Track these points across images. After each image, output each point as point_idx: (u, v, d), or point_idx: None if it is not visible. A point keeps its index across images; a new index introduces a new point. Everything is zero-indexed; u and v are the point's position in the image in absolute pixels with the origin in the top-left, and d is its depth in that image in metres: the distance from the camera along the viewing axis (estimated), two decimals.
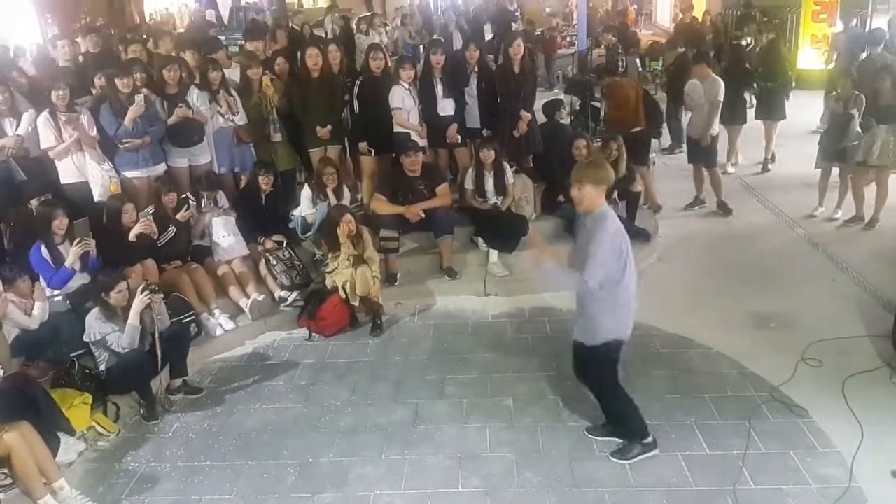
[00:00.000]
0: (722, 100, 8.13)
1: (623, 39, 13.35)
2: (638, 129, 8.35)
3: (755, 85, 9.94)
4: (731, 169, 9.82)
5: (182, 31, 12.25)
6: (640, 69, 14.49)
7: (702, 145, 8.26)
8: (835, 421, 4.63)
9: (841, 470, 4.24)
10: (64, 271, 5.49)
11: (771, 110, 9.79)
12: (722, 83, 8.17)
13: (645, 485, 4.25)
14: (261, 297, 6.35)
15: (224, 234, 6.48)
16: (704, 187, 8.61)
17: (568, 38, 16.64)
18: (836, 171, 8.00)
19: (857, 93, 7.66)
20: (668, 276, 7.02)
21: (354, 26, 14.57)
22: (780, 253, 7.37)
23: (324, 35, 13.29)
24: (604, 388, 4.48)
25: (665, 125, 10.53)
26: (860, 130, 7.49)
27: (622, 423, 4.54)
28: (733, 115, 9.12)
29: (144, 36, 10.02)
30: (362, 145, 7.39)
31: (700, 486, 4.21)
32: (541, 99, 8.49)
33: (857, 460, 4.29)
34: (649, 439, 4.46)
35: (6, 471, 4.21)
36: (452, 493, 4.31)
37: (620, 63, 10.82)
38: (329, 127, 7.16)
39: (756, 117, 9.96)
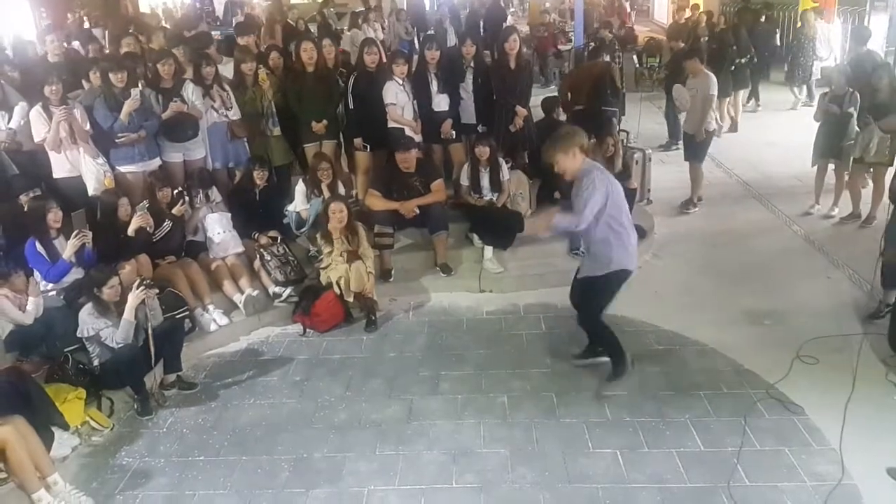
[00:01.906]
0: (714, 94, 8.11)
1: (620, 36, 13.38)
2: (579, 107, 8.42)
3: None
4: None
5: (168, 26, 12.16)
6: (637, 66, 14.54)
7: (696, 140, 8.25)
8: (830, 418, 4.62)
9: (836, 467, 4.24)
10: (62, 264, 5.47)
11: (738, 81, 11.44)
12: (712, 78, 8.16)
13: (639, 481, 4.25)
14: (255, 293, 6.33)
15: (219, 230, 6.46)
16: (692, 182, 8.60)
17: (564, 35, 16.59)
18: (831, 167, 8.02)
19: (851, 90, 7.66)
20: (664, 272, 7.02)
21: (334, 19, 14.54)
22: (775, 250, 7.37)
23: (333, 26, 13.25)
24: (596, 316, 5.08)
25: (665, 122, 10.59)
26: (858, 128, 7.50)
27: (609, 348, 5.14)
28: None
29: (131, 30, 9.96)
30: (357, 141, 7.37)
31: (695, 483, 4.21)
32: (537, 95, 8.46)
33: (853, 457, 4.29)
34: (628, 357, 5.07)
35: (0, 465, 4.19)
36: (446, 488, 4.31)
37: (617, 60, 10.81)
38: (324, 122, 7.14)
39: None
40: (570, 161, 4.66)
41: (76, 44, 9.15)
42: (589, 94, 8.45)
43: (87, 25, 14.61)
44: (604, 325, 5.10)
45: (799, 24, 13.09)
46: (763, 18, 13.69)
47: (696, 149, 8.35)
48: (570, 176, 4.75)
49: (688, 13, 14.00)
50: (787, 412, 4.78)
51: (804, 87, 12.72)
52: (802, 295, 6.35)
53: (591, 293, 5.04)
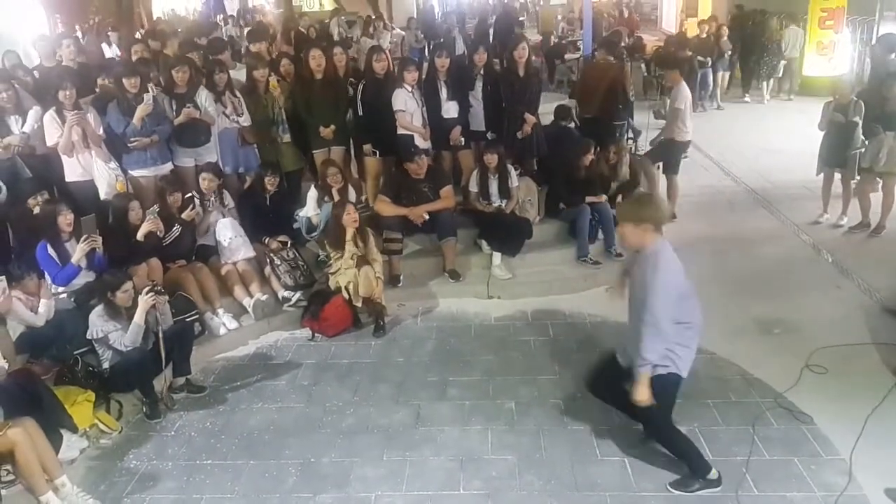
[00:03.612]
0: (681, 108, 8.07)
1: (629, 45, 13.43)
2: (589, 115, 8.41)
3: None
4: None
5: (180, 30, 12.25)
6: (646, 74, 14.56)
7: (667, 150, 8.27)
8: (840, 428, 4.60)
9: (845, 477, 4.21)
10: (70, 268, 5.50)
11: None
12: (682, 91, 8.14)
13: (647, 489, 4.24)
14: (264, 297, 6.35)
15: (231, 235, 6.48)
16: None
17: (573, 44, 16.62)
18: (838, 176, 8.00)
19: (855, 99, 7.65)
20: None
21: (345, 27, 14.61)
22: (784, 259, 7.35)
23: (339, 37, 13.29)
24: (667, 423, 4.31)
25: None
26: (864, 137, 7.49)
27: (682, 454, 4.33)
28: None
29: (140, 35, 10.06)
30: (367, 147, 7.40)
31: (703, 492, 4.18)
32: (546, 102, 8.47)
33: (863, 468, 4.27)
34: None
35: (9, 467, 4.21)
36: (454, 495, 4.30)
37: (626, 67, 10.80)
38: (332, 127, 7.17)
39: None
40: (638, 234, 4.00)
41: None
42: (602, 102, 8.45)
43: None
44: (676, 432, 4.31)
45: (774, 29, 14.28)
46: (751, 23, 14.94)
47: (666, 157, 8.34)
48: (630, 247, 4.18)
49: (706, 27, 14.43)
50: (796, 421, 4.76)
51: (769, 82, 14.52)
52: (811, 304, 6.33)
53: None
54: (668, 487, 4.24)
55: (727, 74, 14.84)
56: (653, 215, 3.99)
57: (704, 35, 14.39)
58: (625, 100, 8.66)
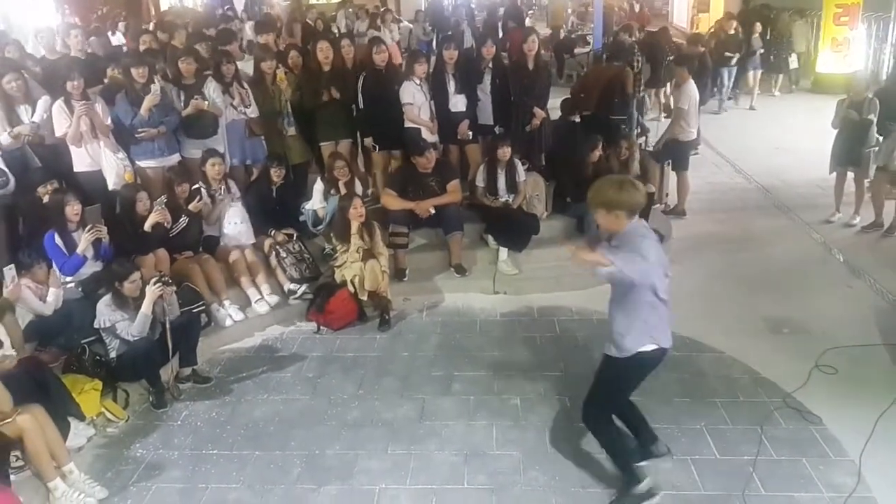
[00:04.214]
0: (684, 107, 8.09)
1: (640, 40, 13.31)
2: (587, 112, 8.33)
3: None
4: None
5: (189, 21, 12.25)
6: None
7: (674, 147, 8.26)
8: (849, 429, 4.57)
9: (854, 479, 4.18)
10: (76, 258, 5.50)
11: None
12: (687, 91, 8.14)
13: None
14: (274, 302, 6.38)
15: (236, 220, 6.49)
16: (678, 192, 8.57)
17: (583, 38, 16.56)
18: (851, 175, 7.94)
19: (870, 96, 7.59)
20: (681, 278, 6.90)
21: (352, 19, 14.57)
22: (795, 258, 7.30)
23: (337, 31, 13.27)
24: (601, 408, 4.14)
25: None
26: (879, 135, 7.42)
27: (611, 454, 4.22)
28: None
29: (150, 27, 10.07)
30: (368, 140, 7.38)
31: (709, 491, 4.16)
32: (555, 97, 8.43)
33: (872, 470, 4.24)
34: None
35: (18, 453, 4.23)
36: (458, 489, 4.30)
37: (636, 63, 10.74)
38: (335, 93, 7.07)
39: None
40: (612, 221, 3.77)
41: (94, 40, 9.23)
42: (599, 98, 8.39)
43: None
44: (611, 425, 4.15)
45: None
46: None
47: (675, 156, 8.31)
48: (605, 231, 3.90)
49: (734, 24, 13.70)
50: (805, 422, 4.72)
51: (778, 77, 14.46)
52: (822, 304, 6.29)
53: (599, 383, 4.12)
54: None
55: (759, 73, 13.95)
56: (626, 200, 3.73)
57: (732, 31, 13.58)
58: (622, 96, 8.59)
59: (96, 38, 9.95)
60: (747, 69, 13.62)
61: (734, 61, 13.35)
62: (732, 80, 13.68)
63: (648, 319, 3.81)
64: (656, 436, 4.37)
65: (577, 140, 7.62)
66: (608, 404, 4.16)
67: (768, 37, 14.20)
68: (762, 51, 13.72)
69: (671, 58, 11.50)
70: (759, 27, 13.69)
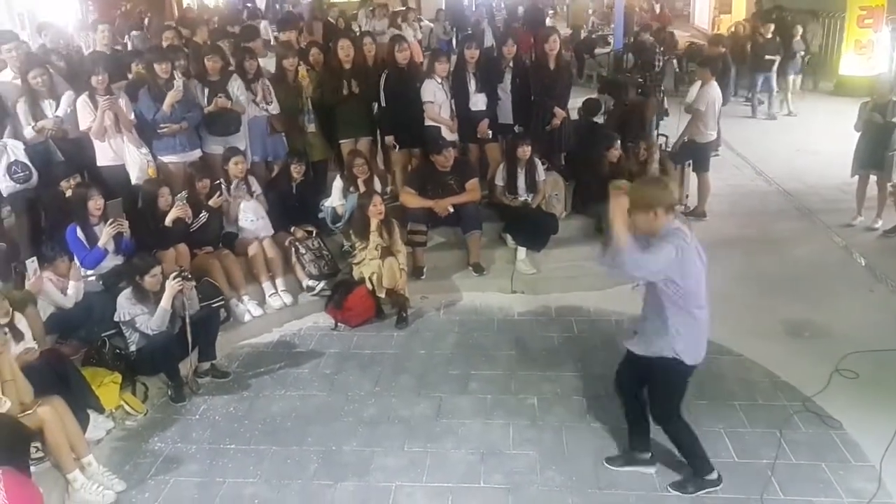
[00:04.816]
0: (701, 108, 8.03)
1: (661, 40, 13.25)
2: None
3: None
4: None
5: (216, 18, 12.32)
6: (677, 70, 14.38)
7: (694, 149, 8.22)
8: (869, 434, 4.51)
9: (874, 484, 4.14)
10: (97, 251, 5.55)
11: None
12: (707, 92, 8.08)
13: (671, 490, 4.19)
14: (288, 299, 6.44)
15: (252, 217, 6.53)
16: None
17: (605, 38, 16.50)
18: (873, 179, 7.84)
19: (894, 100, 7.50)
20: None
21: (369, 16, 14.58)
22: (816, 261, 7.23)
23: (358, 28, 13.30)
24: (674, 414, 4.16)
25: None
26: None
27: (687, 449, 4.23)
28: None
29: (173, 24, 10.15)
30: (389, 139, 7.39)
31: (728, 494, 4.13)
32: (575, 97, 8.40)
33: (893, 475, 4.18)
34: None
35: (38, 444, 4.27)
36: (474, 488, 4.29)
37: (657, 63, 10.71)
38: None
39: None
40: (648, 221, 3.74)
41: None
42: (618, 129, 8.29)
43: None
44: (682, 424, 4.16)
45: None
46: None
47: (695, 157, 8.26)
48: (640, 234, 3.80)
49: (771, 27, 13.16)
50: (825, 426, 4.68)
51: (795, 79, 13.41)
52: (843, 308, 6.22)
53: (660, 387, 4.11)
54: (668, 488, 4.19)
55: (799, 77, 13.43)
56: (661, 197, 3.76)
57: (770, 35, 13.02)
58: (641, 125, 8.58)
59: (139, 34, 10.09)
60: (787, 73, 13.07)
61: (775, 66, 12.86)
62: (773, 84, 13.10)
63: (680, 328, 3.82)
64: (649, 445, 4.36)
65: (598, 140, 7.58)
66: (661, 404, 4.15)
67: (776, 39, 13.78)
68: (804, 53, 13.25)
69: (667, 58, 11.42)
70: (799, 29, 13.28)
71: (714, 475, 4.15)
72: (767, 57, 12.78)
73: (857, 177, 7.94)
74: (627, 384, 4.30)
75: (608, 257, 3.78)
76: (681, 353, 3.86)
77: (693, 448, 4.15)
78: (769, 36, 12.96)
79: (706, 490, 4.13)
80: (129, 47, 8.29)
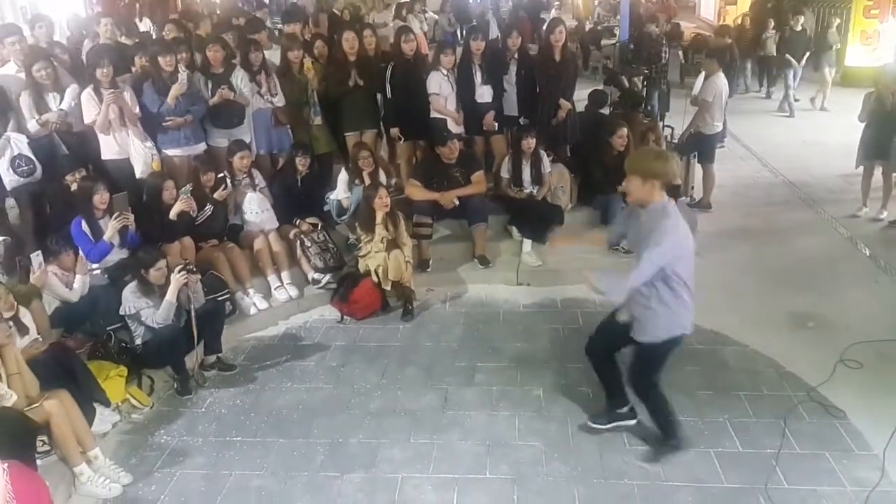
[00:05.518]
0: (708, 99, 8.00)
1: (666, 31, 13.19)
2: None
3: None
4: None
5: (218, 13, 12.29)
6: (683, 61, 14.32)
7: (699, 139, 8.20)
8: (873, 424, 4.52)
9: (878, 473, 4.14)
10: (102, 245, 5.57)
11: None
12: (713, 83, 8.03)
13: (675, 480, 4.20)
14: (294, 292, 6.45)
15: (257, 210, 6.54)
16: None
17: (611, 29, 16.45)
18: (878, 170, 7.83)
19: None
20: (706, 271, 6.81)
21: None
22: (821, 252, 7.21)
23: (372, 19, 13.23)
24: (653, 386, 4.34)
25: None
26: None
27: (660, 416, 4.43)
28: None
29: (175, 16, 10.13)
30: (394, 131, 7.38)
31: (732, 484, 4.15)
32: (581, 89, 8.37)
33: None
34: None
35: (45, 437, 4.29)
36: (480, 478, 4.31)
37: (664, 54, 10.67)
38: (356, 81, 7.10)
39: None
40: (645, 190, 3.82)
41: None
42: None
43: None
44: (660, 393, 4.33)
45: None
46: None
47: (701, 149, 8.23)
48: (634, 202, 3.97)
49: (801, 19, 12.80)
50: (829, 416, 4.69)
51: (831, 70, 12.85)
52: (847, 298, 6.21)
53: (641, 363, 4.26)
54: (640, 463, 4.34)
55: (833, 70, 12.81)
56: (663, 170, 3.82)
57: (799, 27, 12.62)
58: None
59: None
60: (822, 66, 12.60)
61: (804, 60, 12.56)
62: (798, 79, 12.74)
63: (673, 306, 3.94)
64: (627, 399, 4.53)
65: (601, 132, 7.57)
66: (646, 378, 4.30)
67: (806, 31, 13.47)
68: (838, 46, 12.88)
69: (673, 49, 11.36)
70: (836, 21, 12.94)
71: (680, 433, 4.36)
72: (786, 56, 12.42)
73: (861, 168, 7.92)
74: (600, 350, 4.50)
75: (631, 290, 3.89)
76: (674, 330, 4.03)
77: (669, 415, 4.34)
78: (798, 29, 12.61)
79: (673, 452, 4.34)
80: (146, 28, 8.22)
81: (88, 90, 6.08)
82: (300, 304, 6.46)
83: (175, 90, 6.25)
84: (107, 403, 4.86)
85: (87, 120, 6.15)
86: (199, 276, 5.33)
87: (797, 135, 11.32)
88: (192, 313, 5.24)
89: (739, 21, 15.19)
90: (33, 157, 5.94)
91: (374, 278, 6.23)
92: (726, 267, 6.97)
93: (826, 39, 12.74)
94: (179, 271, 5.10)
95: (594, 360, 4.57)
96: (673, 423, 4.36)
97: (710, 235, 7.63)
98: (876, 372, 5.11)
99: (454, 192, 6.80)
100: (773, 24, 13.47)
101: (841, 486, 4.10)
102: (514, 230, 7.10)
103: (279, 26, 9.96)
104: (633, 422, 4.57)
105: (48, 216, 6.14)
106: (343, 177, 6.98)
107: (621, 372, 4.48)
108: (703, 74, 8.40)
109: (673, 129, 8.83)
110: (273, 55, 7.41)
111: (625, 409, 4.58)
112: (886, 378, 5.03)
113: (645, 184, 3.79)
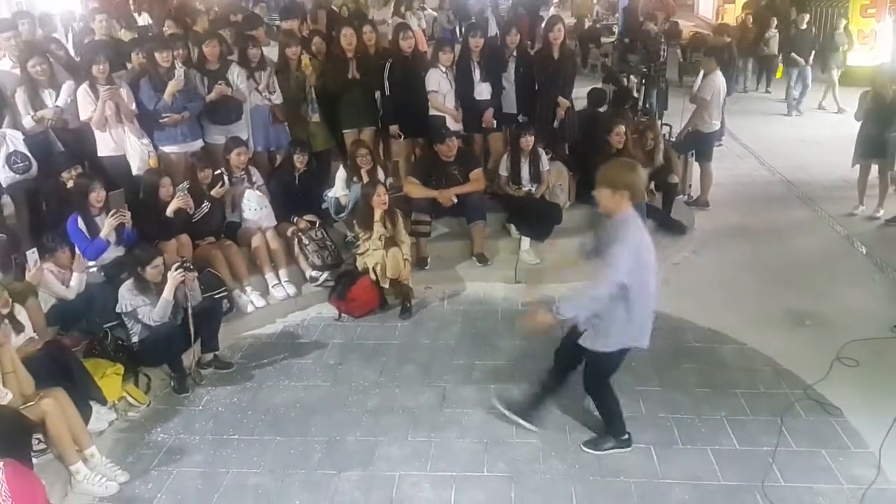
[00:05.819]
0: (706, 98, 8.01)
1: (665, 30, 13.17)
2: None
3: None
4: None
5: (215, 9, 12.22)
6: (681, 60, 14.32)
7: (696, 138, 8.20)
8: (869, 421, 4.53)
9: (874, 471, 4.15)
10: (98, 242, 5.55)
11: None
12: (711, 82, 8.05)
13: (672, 477, 4.21)
14: (291, 290, 6.42)
15: (255, 207, 6.52)
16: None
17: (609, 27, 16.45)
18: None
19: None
20: (703, 269, 6.92)
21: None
22: (818, 251, 7.23)
23: (372, 15, 13.20)
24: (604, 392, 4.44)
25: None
26: None
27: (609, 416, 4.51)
28: None
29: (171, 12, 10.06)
30: (393, 128, 7.37)
31: (728, 481, 4.15)
32: (580, 87, 8.37)
33: (892, 462, 4.20)
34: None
35: (41, 436, 4.28)
36: (477, 476, 4.31)
37: (662, 53, 10.66)
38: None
39: None
40: (613, 201, 3.88)
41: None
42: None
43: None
44: (612, 396, 4.43)
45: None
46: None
47: (699, 147, 8.24)
48: (603, 212, 4.01)
49: (806, 17, 12.74)
50: (825, 414, 4.70)
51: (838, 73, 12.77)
52: (844, 297, 6.23)
53: (592, 367, 4.34)
54: (582, 447, 4.46)
55: (840, 72, 12.62)
56: (632, 182, 3.88)
57: (804, 26, 12.48)
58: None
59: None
60: (831, 67, 12.46)
61: (811, 60, 12.40)
62: (809, 78, 12.55)
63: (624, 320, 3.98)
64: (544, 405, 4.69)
65: (599, 129, 7.57)
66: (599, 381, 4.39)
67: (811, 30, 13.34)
68: (846, 47, 12.75)
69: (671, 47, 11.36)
70: (843, 22, 12.87)
71: (626, 435, 4.45)
72: (793, 55, 12.28)
73: (858, 166, 7.93)
74: (565, 357, 4.52)
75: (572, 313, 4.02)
76: (625, 343, 4.10)
77: (616, 413, 4.42)
78: (804, 27, 12.51)
79: (618, 449, 4.43)
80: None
81: (84, 86, 6.06)
82: (298, 302, 6.44)
83: (172, 86, 6.23)
84: (103, 401, 4.85)
85: (83, 116, 6.13)
86: (196, 274, 5.31)
87: (795, 133, 11.33)
88: (189, 311, 5.22)
89: (741, 20, 15.16)
90: (29, 154, 5.92)
91: (372, 276, 6.22)
92: (723, 265, 6.98)
93: (833, 41, 12.64)
94: (176, 269, 5.08)
95: (558, 364, 4.61)
96: (621, 423, 4.45)
97: (708, 234, 7.65)
98: (872, 370, 5.13)
99: (452, 189, 6.79)
100: (775, 22, 13.42)
101: (837, 483, 4.11)
102: (513, 228, 7.09)
103: (277, 22, 9.91)
104: (534, 429, 4.66)
105: (44, 213, 6.12)
106: (341, 174, 6.97)
107: (558, 390, 4.66)
108: (702, 73, 8.40)
109: (671, 127, 8.83)
110: (271, 52, 7.39)
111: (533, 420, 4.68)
112: (883, 376, 5.05)
113: (614, 195, 3.86)
